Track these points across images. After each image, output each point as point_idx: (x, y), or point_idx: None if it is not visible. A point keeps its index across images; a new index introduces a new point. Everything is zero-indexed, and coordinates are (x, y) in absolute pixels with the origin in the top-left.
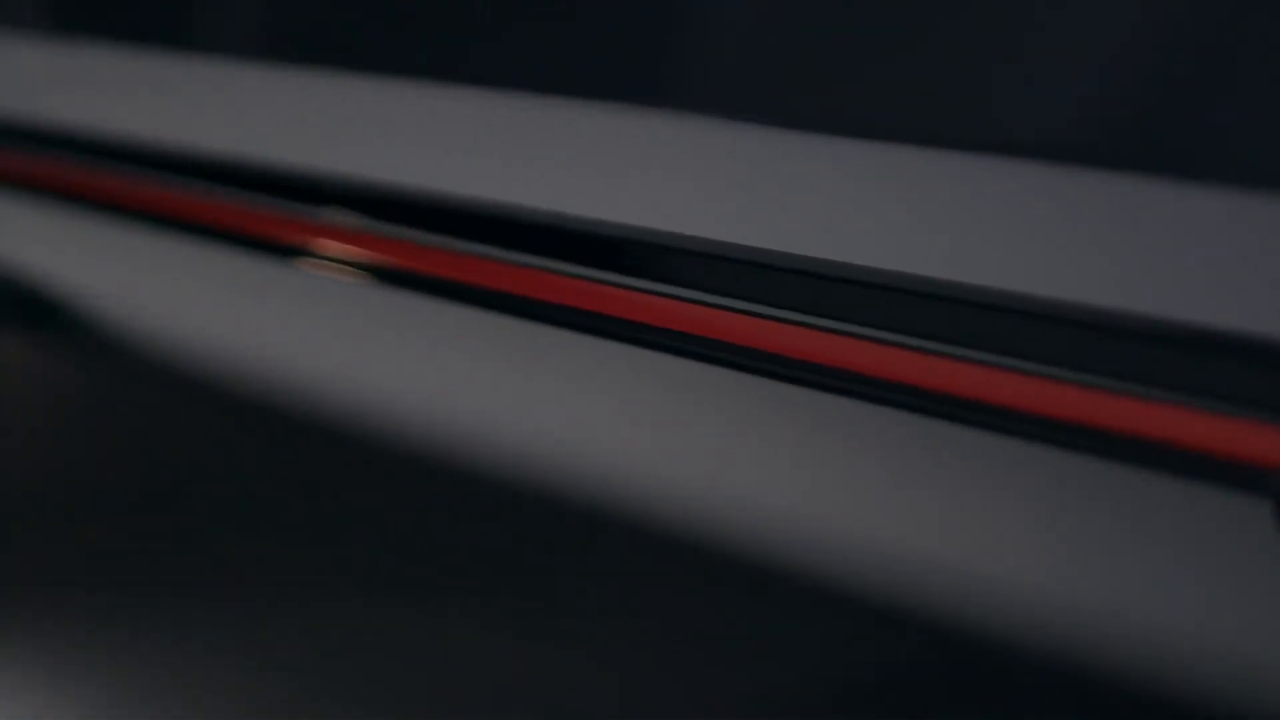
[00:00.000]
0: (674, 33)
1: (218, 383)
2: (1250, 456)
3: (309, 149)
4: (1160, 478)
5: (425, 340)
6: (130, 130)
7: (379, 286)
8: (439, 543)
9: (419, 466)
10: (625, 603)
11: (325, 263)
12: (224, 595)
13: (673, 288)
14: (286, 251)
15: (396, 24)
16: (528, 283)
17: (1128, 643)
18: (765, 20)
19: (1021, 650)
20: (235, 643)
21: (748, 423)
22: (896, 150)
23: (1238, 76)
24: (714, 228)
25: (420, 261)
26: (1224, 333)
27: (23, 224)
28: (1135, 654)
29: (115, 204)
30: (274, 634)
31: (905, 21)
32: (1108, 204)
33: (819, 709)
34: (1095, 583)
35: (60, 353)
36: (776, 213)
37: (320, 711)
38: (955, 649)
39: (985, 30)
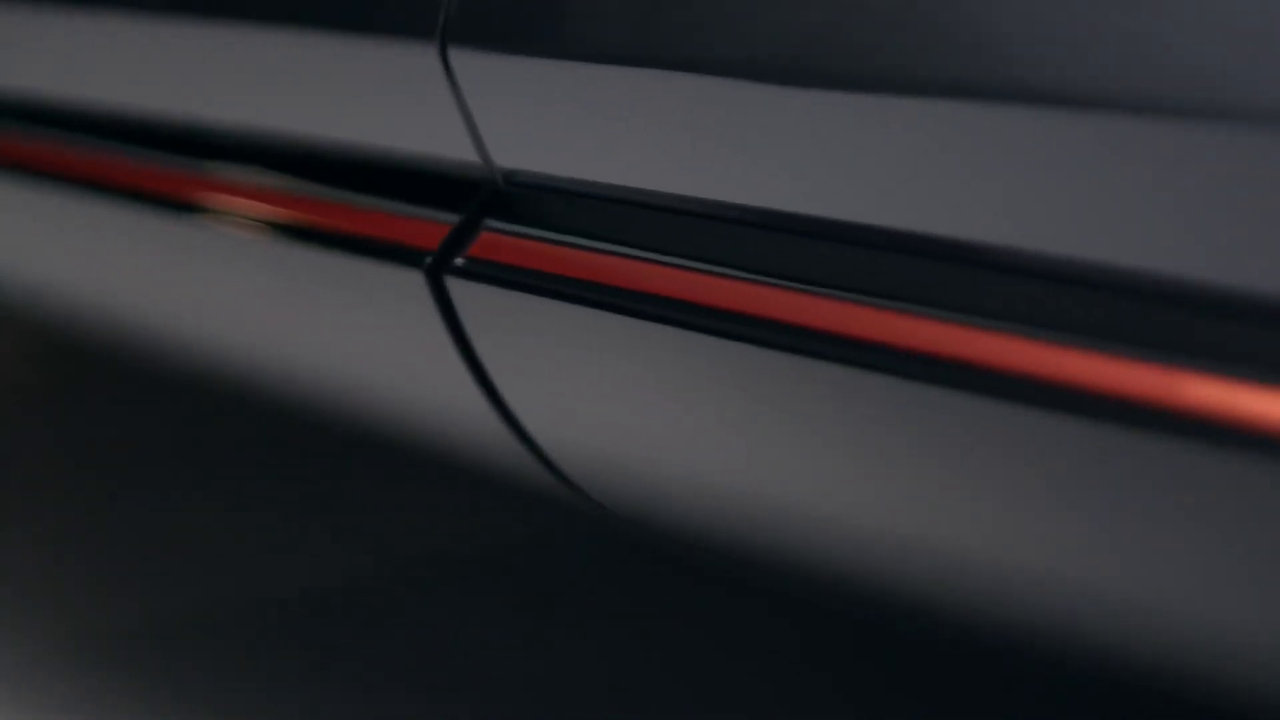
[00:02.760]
0: None
1: (123, 340)
2: (409, 242)
3: (208, 101)
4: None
5: (335, 295)
6: (40, 88)
7: (288, 243)
8: (355, 499)
9: (326, 420)
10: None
11: (231, 218)
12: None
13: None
14: (187, 207)
15: None
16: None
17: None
18: None
19: None
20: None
21: None
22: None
23: None
24: None
25: (325, 217)
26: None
27: None
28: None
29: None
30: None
31: None
32: None
33: None
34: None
35: None
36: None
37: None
38: None
39: None
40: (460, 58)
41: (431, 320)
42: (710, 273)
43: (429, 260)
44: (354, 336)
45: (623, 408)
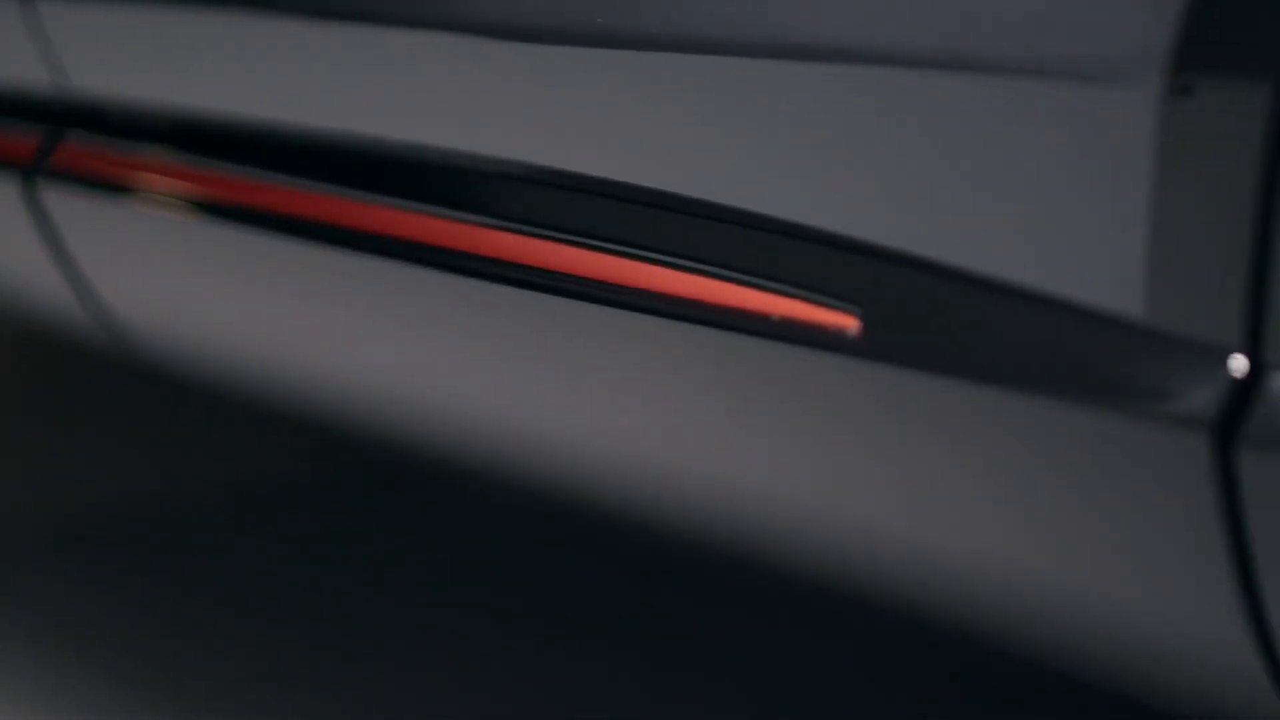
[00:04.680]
0: None
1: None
2: (4, 156)
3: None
4: None
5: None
6: None
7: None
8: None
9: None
10: None
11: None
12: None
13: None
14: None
15: None
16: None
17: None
18: None
19: None
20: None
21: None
22: None
23: None
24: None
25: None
26: None
27: None
28: None
29: None
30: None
31: None
32: None
33: None
34: None
35: None
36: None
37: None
38: None
39: None
40: (44, 6)
41: (22, 218)
42: (230, 175)
43: (21, 170)
44: None
45: (183, 285)
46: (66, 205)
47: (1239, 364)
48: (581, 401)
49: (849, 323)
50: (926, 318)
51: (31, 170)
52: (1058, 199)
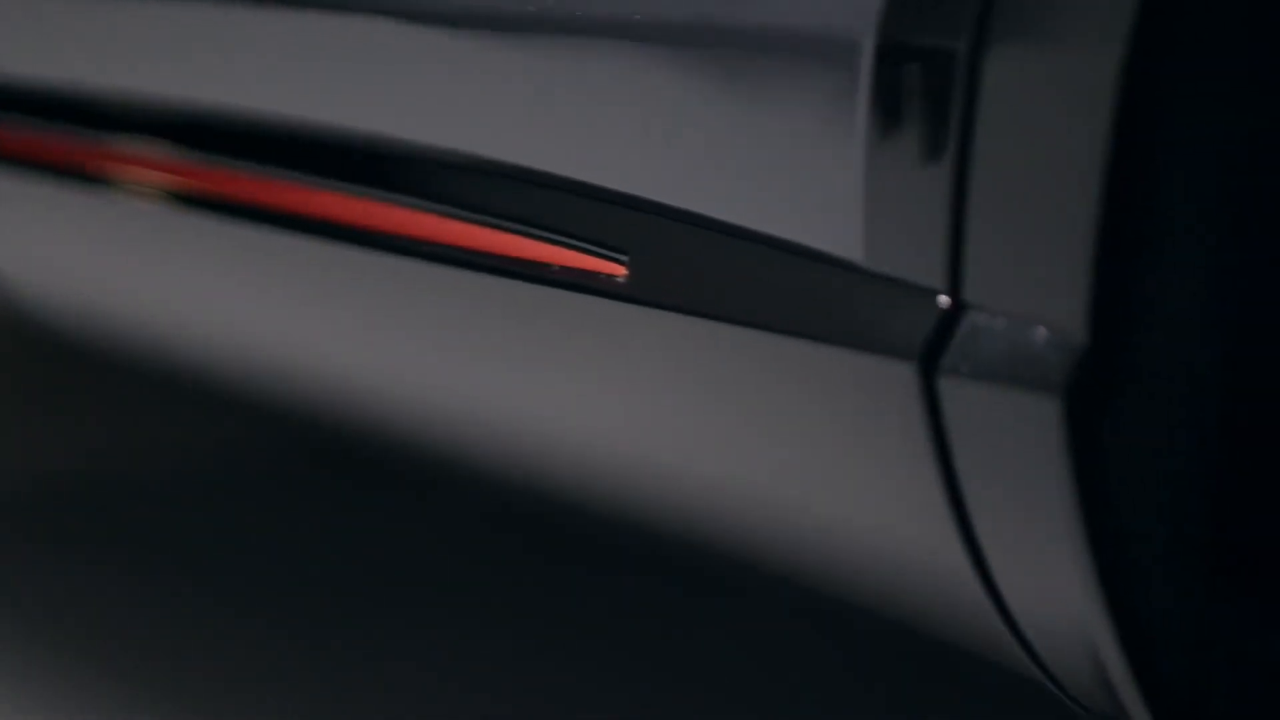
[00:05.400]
0: None
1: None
2: None
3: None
4: None
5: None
6: None
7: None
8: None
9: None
10: None
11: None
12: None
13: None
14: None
15: None
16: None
17: None
18: None
19: None
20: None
21: None
22: None
23: None
24: None
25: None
26: None
27: None
28: None
29: None
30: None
31: None
32: None
33: None
34: None
35: None
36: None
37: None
38: None
39: None
40: None
41: None
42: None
43: None
44: None
45: (79, 254)
46: None
47: (943, 302)
48: (363, 345)
49: (618, 270)
50: (681, 262)
51: None
52: (789, 154)
